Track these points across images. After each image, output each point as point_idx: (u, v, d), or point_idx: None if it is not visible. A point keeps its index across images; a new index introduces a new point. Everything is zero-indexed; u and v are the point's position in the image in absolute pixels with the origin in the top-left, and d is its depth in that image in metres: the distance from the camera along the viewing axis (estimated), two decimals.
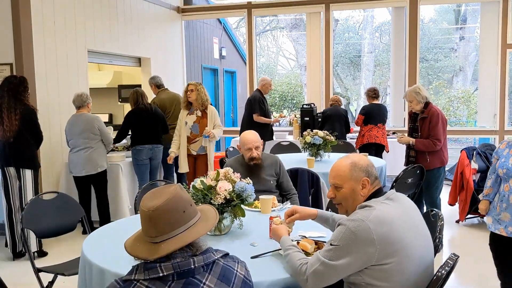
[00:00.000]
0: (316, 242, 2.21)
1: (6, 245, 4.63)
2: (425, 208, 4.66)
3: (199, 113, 5.29)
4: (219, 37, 12.44)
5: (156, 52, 7.84)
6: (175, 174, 6.25)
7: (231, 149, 5.90)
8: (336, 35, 17.20)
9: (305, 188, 3.96)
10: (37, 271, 2.98)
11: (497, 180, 3.21)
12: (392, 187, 3.96)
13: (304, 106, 7.54)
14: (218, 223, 2.47)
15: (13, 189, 4.44)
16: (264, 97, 6.83)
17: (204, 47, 11.37)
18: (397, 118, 8.30)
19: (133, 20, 7.20)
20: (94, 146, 5.07)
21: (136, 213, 3.52)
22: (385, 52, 16.88)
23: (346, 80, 18.74)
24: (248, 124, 6.65)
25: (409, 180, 4.22)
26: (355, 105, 18.45)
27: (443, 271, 1.88)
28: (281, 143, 6.43)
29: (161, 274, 1.43)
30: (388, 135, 7.03)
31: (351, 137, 7.19)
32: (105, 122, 5.33)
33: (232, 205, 2.44)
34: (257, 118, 6.64)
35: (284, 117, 10.06)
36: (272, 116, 7.32)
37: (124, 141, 6.14)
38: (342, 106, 7.30)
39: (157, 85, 6.45)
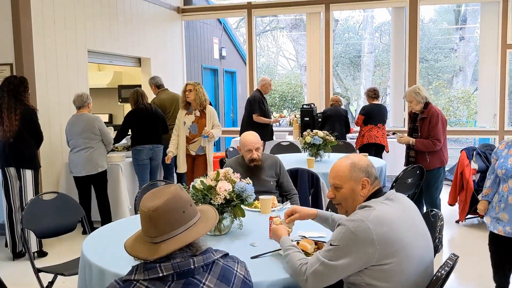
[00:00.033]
0: (316, 242, 2.21)
1: (6, 245, 4.63)
2: (425, 208, 4.66)
3: (198, 113, 5.28)
4: (219, 37, 12.45)
5: (156, 52, 7.84)
6: (175, 174, 6.25)
7: (231, 149, 5.90)
8: (336, 35, 17.20)
9: (305, 188, 3.96)
10: (37, 271, 2.98)
11: (496, 180, 3.22)
12: (392, 187, 3.96)
13: (304, 106, 7.54)
14: (218, 223, 2.47)
15: (14, 189, 4.44)
16: (264, 97, 6.83)
17: (204, 47, 11.37)
18: (397, 118, 8.31)
19: (133, 20, 7.20)
20: (95, 146, 5.07)
21: (136, 213, 3.52)
22: (385, 52, 16.89)
23: (346, 80, 18.75)
24: (248, 124, 6.66)
25: (409, 180, 4.22)
26: (355, 105, 18.45)
27: (442, 271, 1.88)
28: (281, 143, 6.43)
29: (161, 274, 1.43)
30: (388, 135, 7.03)
31: (351, 137, 7.19)
32: (105, 122, 5.33)
33: (232, 205, 2.44)
34: (256, 118, 6.64)
35: (284, 117, 10.07)
36: (272, 116, 7.32)
37: (124, 141, 6.14)
38: (342, 106, 7.30)
39: (157, 85, 6.45)
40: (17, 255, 4.52)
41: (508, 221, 3.01)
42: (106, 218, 5.20)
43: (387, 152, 6.77)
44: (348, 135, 7.18)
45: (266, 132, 6.67)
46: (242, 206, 2.49)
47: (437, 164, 4.48)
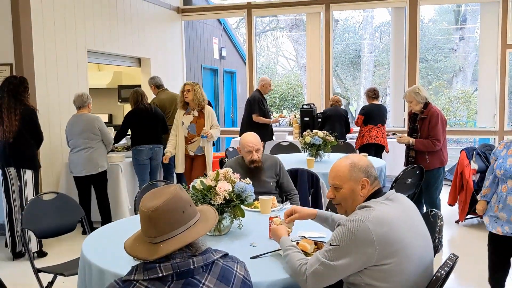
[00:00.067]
0: (316, 243, 2.21)
1: (6, 245, 4.63)
2: (424, 208, 4.66)
3: (196, 113, 5.26)
4: (219, 38, 12.45)
5: (156, 53, 7.84)
6: (174, 175, 6.25)
7: (230, 149, 5.90)
8: (336, 36, 17.20)
9: (304, 188, 3.96)
10: (37, 271, 2.99)
11: (494, 180, 3.22)
12: (391, 188, 3.96)
13: (304, 106, 7.54)
14: (217, 224, 2.47)
15: (14, 190, 4.44)
16: (264, 97, 6.83)
17: (204, 47, 11.37)
18: (397, 119, 8.31)
19: (133, 20, 7.21)
20: (95, 146, 5.07)
21: (135, 213, 3.52)
22: (385, 53, 16.89)
23: (346, 80, 18.75)
24: (247, 124, 6.66)
25: (409, 180, 4.22)
26: (355, 106, 18.45)
27: (442, 271, 1.88)
28: (281, 143, 6.43)
29: (160, 275, 1.43)
30: (387, 135, 7.03)
31: (351, 138, 7.20)
32: (105, 123, 5.33)
33: (232, 205, 2.44)
34: (256, 118, 6.64)
35: (284, 117, 10.07)
36: (272, 116, 7.32)
37: (123, 141, 6.14)
38: (342, 107, 7.30)
39: (156, 86, 6.45)
40: (17, 255, 4.52)
41: (507, 221, 3.02)
42: (106, 218, 5.19)
43: (387, 152, 6.78)
44: (348, 135, 7.19)
45: (266, 132, 6.67)
46: (241, 206, 2.49)
47: (436, 164, 4.48)
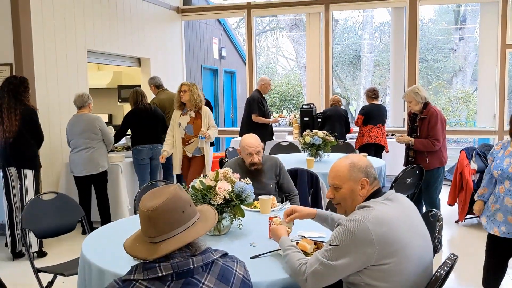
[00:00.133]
0: (316, 242, 2.22)
1: (7, 245, 4.63)
2: (424, 208, 4.66)
3: (193, 114, 5.20)
4: (219, 38, 12.45)
5: (155, 53, 7.84)
6: (174, 175, 6.25)
7: (230, 149, 5.90)
8: (336, 36, 17.20)
9: (304, 188, 3.96)
10: (37, 271, 2.99)
11: (491, 180, 3.22)
12: (391, 187, 3.97)
13: (304, 106, 7.54)
14: (217, 223, 2.47)
15: (14, 189, 4.44)
16: (264, 97, 6.83)
17: (203, 47, 11.37)
18: (396, 119, 8.31)
19: (132, 20, 7.21)
20: (96, 146, 5.07)
21: (135, 213, 3.52)
22: (385, 53, 16.89)
23: (346, 80, 18.75)
24: (247, 124, 6.66)
25: (409, 180, 4.22)
26: (355, 106, 18.46)
27: (442, 271, 1.88)
28: (280, 143, 6.43)
29: (160, 274, 1.43)
30: (387, 135, 7.04)
31: (351, 137, 7.20)
32: (105, 123, 5.33)
33: (232, 205, 2.44)
34: (255, 118, 6.64)
35: (283, 117, 10.07)
36: (271, 116, 7.33)
37: (123, 141, 6.14)
38: (342, 107, 7.31)
39: (156, 86, 6.45)
40: (16, 255, 4.52)
41: (503, 221, 3.02)
42: (106, 218, 5.20)
43: (387, 152, 6.78)
44: (348, 135, 7.19)
45: (265, 132, 6.67)
46: (241, 206, 2.50)
47: (436, 164, 4.48)
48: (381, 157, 6.41)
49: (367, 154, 5.57)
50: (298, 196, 3.61)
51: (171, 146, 5.27)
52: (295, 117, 8.09)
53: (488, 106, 7.80)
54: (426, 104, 4.47)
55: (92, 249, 2.33)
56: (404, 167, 4.37)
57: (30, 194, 4.41)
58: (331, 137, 5.02)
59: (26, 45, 5.14)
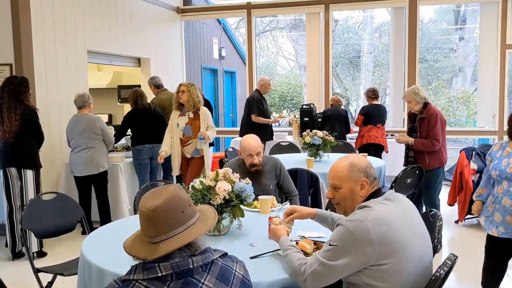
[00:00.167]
0: (315, 243, 2.22)
1: (7, 245, 4.63)
2: (424, 208, 4.67)
3: (191, 115, 5.15)
4: (219, 38, 12.45)
5: (155, 53, 7.84)
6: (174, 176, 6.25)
7: (230, 149, 5.90)
8: (336, 36, 17.20)
9: (304, 188, 3.95)
10: (37, 271, 2.99)
11: (489, 180, 3.22)
12: (391, 188, 3.97)
13: (304, 106, 7.54)
14: (217, 224, 2.47)
15: (14, 189, 4.44)
16: (263, 97, 6.83)
17: (203, 47, 11.37)
18: (396, 119, 8.31)
19: (132, 21, 7.21)
20: (96, 146, 5.07)
21: (135, 213, 3.52)
22: (385, 53, 16.90)
23: (346, 80, 18.76)
24: (247, 124, 6.66)
25: (408, 180, 4.22)
26: (355, 106, 18.46)
27: (441, 271, 1.88)
28: (280, 143, 6.43)
29: (160, 274, 1.43)
30: (387, 135, 7.04)
31: (351, 138, 7.20)
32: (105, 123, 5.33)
33: (231, 205, 2.45)
34: (255, 118, 6.64)
35: (283, 117, 10.07)
36: (271, 116, 7.33)
37: (123, 141, 6.14)
38: (342, 107, 7.31)
39: (156, 86, 6.45)
40: (16, 255, 4.52)
41: (501, 222, 3.02)
42: (106, 218, 5.20)
43: (387, 152, 6.78)
44: (348, 135, 7.19)
45: (265, 132, 6.67)
46: (241, 206, 2.50)
47: (436, 164, 4.49)
48: (381, 157, 6.41)
49: (366, 154, 5.57)
50: (298, 196, 3.61)
51: (170, 146, 5.22)
52: (295, 117, 8.09)
53: (488, 106, 7.80)
54: (425, 104, 4.48)
55: (92, 249, 2.33)
56: (404, 167, 4.37)
57: (30, 194, 4.41)
58: (331, 137, 5.02)
59: (26, 45, 5.14)
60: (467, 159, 5.32)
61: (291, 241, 2.14)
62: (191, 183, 2.52)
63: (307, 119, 7.39)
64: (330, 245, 1.88)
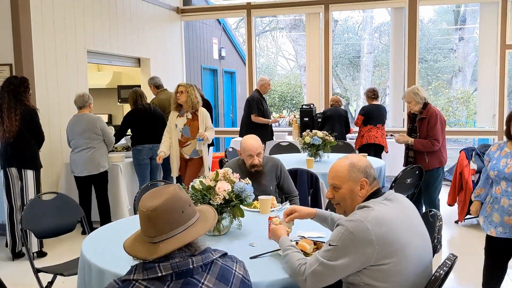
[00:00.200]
0: (315, 243, 2.22)
1: (7, 245, 4.64)
2: (424, 208, 4.67)
3: (190, 116, 5.12)
4: (219, 38, 12.45)
5: (155, 53, 7.85)
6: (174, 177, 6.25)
7: (230, 149, 5.90)
8: (336, 36, 17.21)
9: (304, 188, 3.95)
10: (37, 271, 2.99)
11: (487, 180, 3.22)
12: (391, 188, 3.97)
13: (304, 106, 7.54)
14: (217, 224, 2.47)
15: (15, 190, 4.45)
16: (263, 97, 6.83)
17: (203, 47, 11.37)
18: (396, 119, 8.31)
19: (132, 21, 7.21)
20: (96, 146, 5.07)
21: (135, 213, 3.52)
22: (385, 53, 16.91)
23: (346, 80, 18.76)
24: (247, 124, 6.66)
25: (408, 180, 4.22)
26: (355, 106, 18.47)
27: (441, 271, 1.88)
28: (280, 143, 6.43)
29: (159, 274, 1.43)
30: (387, 135, 7.04)
31: (351, 138, 7.20)
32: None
33: (231, 205, 2.45)
34: (255, 118, 6.64)
35: (283, 117, 10.07)
36: (271, 116, 7.34)
37: (123, 141, 6.14)
38: (342, 107, 7.31)
39: (156, 86, 6.45)
40: (16, 255, 4.52)
41: (500, 222, 3.02)
42: (106, 218, 5.20)
43: (387, 152, 6.78)
44: (348, 136, 7.19)
45: (265, 132, 6.67)
46: (241, 206, 2.50)
47: (436, 164, 4.49)
48: (380, 157, 6.41)
49: (366, 154, 5.58)
50: (298, 197, 3.60)
51: (168, 147, 5.19)
52: (294, 117, 8.10)
53: (488, 106, 7.80)
54: (425, 105, 4.48)
55: (92, 249, 2.33)
56: (404, 167, 4.37)
57: (31, 194, 4.41)
58: (331, 137, 5.02)
59: (26, 45, 5.14)
60: (467, 159, 5.32)
61: (291, 241, 2.14)
62: (191, 183, 2.52)
63: (307, 119, 7.39)
64: (330, 245, 1.88)
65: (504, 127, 3.14)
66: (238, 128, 7.73)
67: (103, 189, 5.23)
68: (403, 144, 4.74)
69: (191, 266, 1.46)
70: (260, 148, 3.39)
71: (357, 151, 6.44)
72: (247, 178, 2.55)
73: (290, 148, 6.25)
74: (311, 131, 5.11)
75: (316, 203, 3.97)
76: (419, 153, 4.50)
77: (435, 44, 17.08)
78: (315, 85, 8.55)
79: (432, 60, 16.92)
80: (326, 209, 3.35)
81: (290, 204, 3.32)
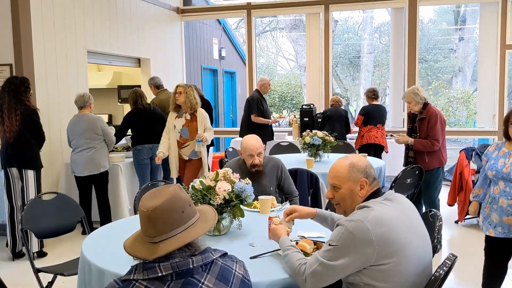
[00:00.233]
0: (315, 243, 2.22)
1: (7, 245, 4.64)
2: (424, 208, 4.67)
3: (188, 116, 5.08)
4: (219, 38, 12.45)
5: (155, 53, 7.85)
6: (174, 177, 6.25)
7: (230, 149, 5.90)
8: (336, 36, 17.21)
9: (304, 188, 3.95)
10: (37, 271, 2.99)
11: (485, 180, 3.22)
12: (391, 188, 3.97)
13: (304, 106, 7.54)
14: (217, 224, 2.48)
15: (16, 190, 4.45)
16: (263, 97, 6.83)
17: (203, 47, 11.37)
18: (396, 119, 8.31)
19: (132, 21, 7.21)
20: (97, 146, 5.07)
21: (135, 213, 3.52)
22: (385, 53, 16.91)
23: (346, 80, 18.77)
24: (247, 125, 6.66)
25: (408, 180, 4.22)
26: (355, 106, 18.48)
27: (441, 271, 1.89)
28: (280, 143, 6.43)
29: (160, 274, 1.43)
30: (387, 135, 7.04)
31: (351, 138, 7.20)
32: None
33: (231, 205, 2.45)
34: (255, 118, 6.64)
35: (283, 117, 10.07)
36: (271, 116, 7.34)
37: (123, 141, 6.15)
38: (342, 107, 7.31)
39: (156, 86, 6.46)
40: (17, 255, 4.52)
41: (499, 222, 3.02)
42: (106, 218, 5.20)
43: (387, 152, 6.78)
44: (348, 136, 7.19)
45: (265, 133, 6.66)
46: (241, 206, 2.50)
47: (436, 165, 4.49)
48: (380, 158, 6.41)
49: (366, 154, 5.58)
50: (298, 197, 3.60)
51: (167, 147, 5.15)
52: (295, 117, 8.09)
53: (488, 106, 7.80)
54: (425, 105, 4.48)
55: (92, 249, 2.33)
56: (404, 167, 4.37)
57: (32, 194, 4.41)
58: (331, 138, 5.02)
59: (26, 45, 5.15)
60: (467, 159, 5.32)
61: (291, 241, 2.14)
62: (191, 183, 2.52)
63: (307, 119, 7.39)
64: (330, 245, 1.88)
65: (502, 127, 3.14)
66: (238, 128, 7.73)
67: (104, 189, 5.23)
68: (403, 144, 4.74)
69: (191, 266, 1.46)
70: (261, 147, 3.38)
71: (357, 151, 6.44)
72: (247, 178, 2.56)
73: (290, 148, 6.26)
74: (311, 131, 5.11)
75: (316, 203, 3.97)
76: (419, 153, 4.51)
77: (435, 44, 17.09)
78: (315, 85, 8.55)
79: (432, 60, 16.92)
80: (326, 209, 3.35)
81: (290, 204, 3.32)
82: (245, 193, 2.46)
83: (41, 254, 4.60)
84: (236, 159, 3.55)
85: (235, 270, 1.59)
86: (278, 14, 13.31)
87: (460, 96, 15.57)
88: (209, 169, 5.81)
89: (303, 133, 5.09)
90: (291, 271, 1.96)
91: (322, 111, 7.46)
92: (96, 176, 5.11)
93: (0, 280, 2.81)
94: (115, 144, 5.76)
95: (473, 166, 5.31)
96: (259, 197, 2.94)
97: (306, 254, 2.08)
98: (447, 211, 5.61)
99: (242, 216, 2.50)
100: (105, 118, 8.13)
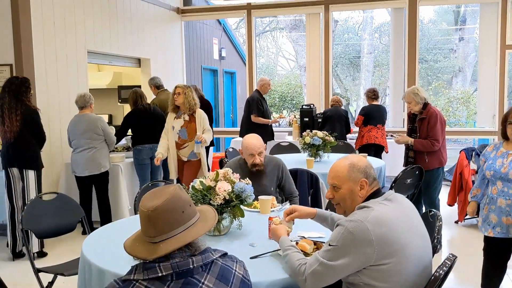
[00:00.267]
0: (315, 243, 2.22)
1: (7, 245, 4.64)
2: (424, 208, 4.67)
3: (187, 117, 5.05)
4: (219, 38, 12.46)
5: (156, 53, 7.85)
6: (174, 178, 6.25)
7: (230, 149, 5.90)
8: (336, 36, 17.22)
9: (304, 188, 3.95)
10: (37, 271, 2.99)
11: (483, 181, 3.22)
12: (391, 188, 3.97)
13: (304, 106, 7.55)
14: (217, 224, 2.48)
15: (16, 190, 4.45)
16: (263, 97, 6.83)
17: (203, 47, 11.38)
18: (396, 119, 8.32)
19: (132, 21, 7.21)
20: (98, 146, 5.07)
21: (135, 213, 3.53)
22: (385, 53, 16.91)
23: (346, 80, 18.77)
24: (247, 125, 6.66)
25: (408, 180, 4.22)
26: (355, 106, 18.48)
27: (441, 271, 1.89)
28: (280, 143, 6.43)
29: (160, 274, 1.43)
30: (387, 136, 7.04)
31: (351, 138, 7.21)
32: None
33: (231, 205, 2.45)
34: (255, 118, 6.64)
35: (283, 117, 10.08)
36: (272, 116, 7.34)
37: (123, 141, 6.15)
38: (342, 107, 7.32)
39: (156, 86, 6.46)
40: (17, 255, 4.52)
41: (497, 222, 3.02)
42: (106, 218, 5.20)
43: (387, 152, 6.78)
44: (348, 136, 7.20)
45: (266, 133, 6.66)
46: (241, 206, 2.50)
47: (436, 165, 4.49)
48: (381, 158, 6.41)
49: (366, 154, 5.58)
50: (298, 198, 3.60)
51: (166, 148, 5.11)
52: (295, 117, 8.10)
53: (488, 106, 7.80)
54: (425, 105, 4.48)
55: (92, 249, 2.34)
56: (404, 168, 4.37)
57: (32, 194, 4.41)
58: (331, 138, 5.02)
59: (26, 45, 5.15)
60: (467, 159, 5.33)
61: (291, 241, 2.14)
62: (191, 183, 2.52)
63: (307, 119, 7.39)
64: (330, 245, 1.88)
65: (500, 127, 3.15)
66: (238, 128, 7.73)
67: (104, 189, 5.24)
68: (403, 145, 4.74)
69: (191, 266, 1.46)
70: (262, 147, 3.38)
71: (357, 151, 6.44)
72: (247, 178, 2.56)
73: (290, 148, 6.25)
74: (311, 131, 5.11)
75: (316, 203, 3.97)
76: (419, 153, 4.51)
77: (435, 44, 17.10)
78: (315, 85, 8.55)
79: (432, 60, 16.93)
80: (326, 209, 3.35)
81: (290, 204, 3.32)
82: (245, 193, 2.46)
83: (42, 254, 4.60)
84: (236, 159, 3.55)
85: (235, 270, 1.59)
86: (278, 14, 13.31)
87: (460, 96, 15.58)
88: (209, 169, 5.80)
89: (303, 133, 5.09)
90: (291, 271, 1.96)
91: (322, 111, 7.46)
92: (97, 176, 5.12)
93: (0, 280, 2.82)
94: (116, 144, 5.77)
95: (473, 166, 5.32)
96: (259, 197, 2.94)
97: (306, 254, 2.08)
98: (447, 211, 5.61)
99: (242, 216, 2.50)
100: (105, 118, 8.12)
